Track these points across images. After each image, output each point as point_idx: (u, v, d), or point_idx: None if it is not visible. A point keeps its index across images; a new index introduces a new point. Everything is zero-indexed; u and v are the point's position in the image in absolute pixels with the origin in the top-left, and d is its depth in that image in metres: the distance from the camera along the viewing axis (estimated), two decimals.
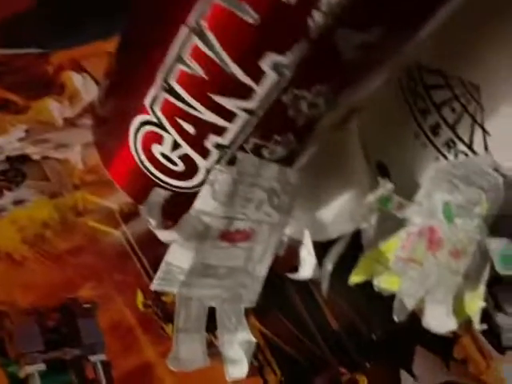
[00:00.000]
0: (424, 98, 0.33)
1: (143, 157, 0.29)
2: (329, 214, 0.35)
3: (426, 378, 0.32)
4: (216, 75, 0.24)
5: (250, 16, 0.21)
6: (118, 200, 0.31)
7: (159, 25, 0.25)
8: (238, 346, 0.29)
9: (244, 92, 0.24)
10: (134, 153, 0.29)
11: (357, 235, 0.33)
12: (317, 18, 0.21)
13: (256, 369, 0.30)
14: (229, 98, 0.25)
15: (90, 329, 0.27)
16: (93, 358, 0.27)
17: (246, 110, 0.25)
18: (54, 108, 0.32)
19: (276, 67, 0.23)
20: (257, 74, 0.23)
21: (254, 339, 0.29)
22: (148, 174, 0.29)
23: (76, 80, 0.33)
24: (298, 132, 0.26)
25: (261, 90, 0.24)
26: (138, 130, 0.28)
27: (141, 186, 0.29)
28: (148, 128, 0.28)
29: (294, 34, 0.22)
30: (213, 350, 0.30)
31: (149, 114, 0.27)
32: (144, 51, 0.26)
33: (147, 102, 0.27)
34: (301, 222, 0.32)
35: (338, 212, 0.34)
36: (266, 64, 0.23)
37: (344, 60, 0.22)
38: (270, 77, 0.23)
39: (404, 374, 0.31)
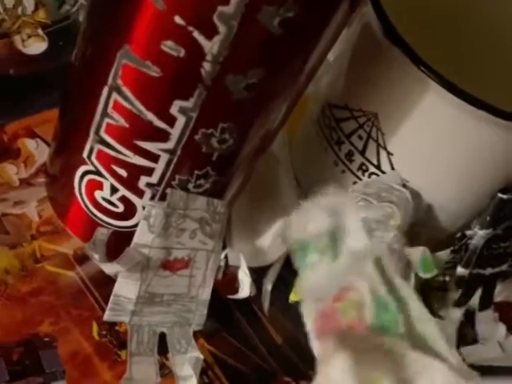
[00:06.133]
0: (336, 131, 0.37)
1: (88, 203, 0.33)
2: (265, 242, 0.38)
3: None
4: (136, 123, 0.28)
5: (153, 71, 0.26)
6: (72, 245, 0.34)
7: (86, 88, 0.30)
8: (188, 363, 0.32)
9: (162, 135, 0.28)
10: (80, 201, 0.33)
11: None
12: (207, 67, 0.25)
13: None
14: (150, 142, 0.29)
15: (51, 359, 0.31)
16: None
17: (166, 151, 0.29)
18: (11, 171, 0.36)
19: (183, 111, 0.27)
20: (169, 119, 0.27)
21: (201, 356, 0.32)
22: (94, 218, 0.33)
23: (30, 145, 0.37)
24: (215, 166, 0.30)
25: (175, 131, 0.28)
26: (81, 180, 0.32)
27: (90, 230, 0.33)
28: (89, 177, 0.32)
29: (191, 82, 0.26)
30: (165, 371, 0.33)
31: (88, 165, 0.31)
32: (77, 113, 0.31)
33: (85, 154, 0.31)
34: (239, 251, 0.36)
35: (273, 239, 0.38)
36: (175, 109, 0.27)
37: (237, 100, 0.27)
38: (180, 120, 0.27)
39: None
